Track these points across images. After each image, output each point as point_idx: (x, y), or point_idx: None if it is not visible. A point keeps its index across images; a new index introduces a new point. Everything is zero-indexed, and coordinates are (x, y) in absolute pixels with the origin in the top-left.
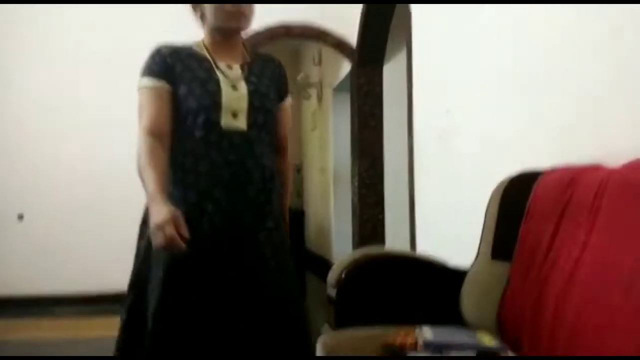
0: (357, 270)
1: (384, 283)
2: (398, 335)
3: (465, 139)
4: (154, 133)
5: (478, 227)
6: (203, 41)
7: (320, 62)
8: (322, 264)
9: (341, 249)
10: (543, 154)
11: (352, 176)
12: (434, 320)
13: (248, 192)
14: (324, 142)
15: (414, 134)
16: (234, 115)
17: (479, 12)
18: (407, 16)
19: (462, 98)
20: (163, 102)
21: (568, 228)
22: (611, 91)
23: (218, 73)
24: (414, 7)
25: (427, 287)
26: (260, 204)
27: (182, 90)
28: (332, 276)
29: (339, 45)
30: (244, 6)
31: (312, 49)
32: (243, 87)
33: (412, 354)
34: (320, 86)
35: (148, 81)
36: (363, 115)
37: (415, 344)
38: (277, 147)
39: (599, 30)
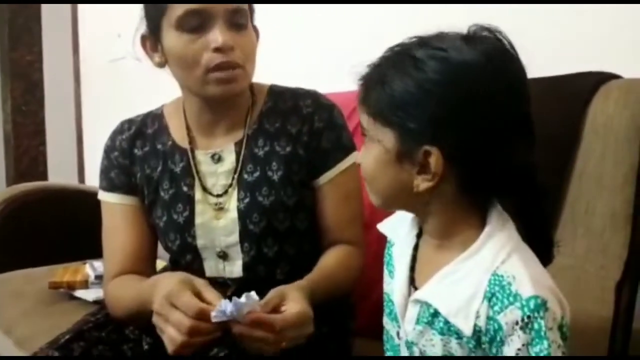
0: (13, 209)
1: (47, 220)
2: (66, 273)
3: (138, 64)
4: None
5: None
6: (182, 103)
7: None
8: None
9: None
10: None
11: (4, 101)
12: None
13: None
14: None
15: (80, 56)
16: (223, 256)
17: None
18: None
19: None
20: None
21: None
22: None
23: (196, 179)
24: None
25: (96, 222)
26: None
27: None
28: None
29: None
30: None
31: None
32: (233, 205)
33: (81, 291)
34: None
35: (105, 196)
36: (16, 29)
37: (86, 281)
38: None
39: None
